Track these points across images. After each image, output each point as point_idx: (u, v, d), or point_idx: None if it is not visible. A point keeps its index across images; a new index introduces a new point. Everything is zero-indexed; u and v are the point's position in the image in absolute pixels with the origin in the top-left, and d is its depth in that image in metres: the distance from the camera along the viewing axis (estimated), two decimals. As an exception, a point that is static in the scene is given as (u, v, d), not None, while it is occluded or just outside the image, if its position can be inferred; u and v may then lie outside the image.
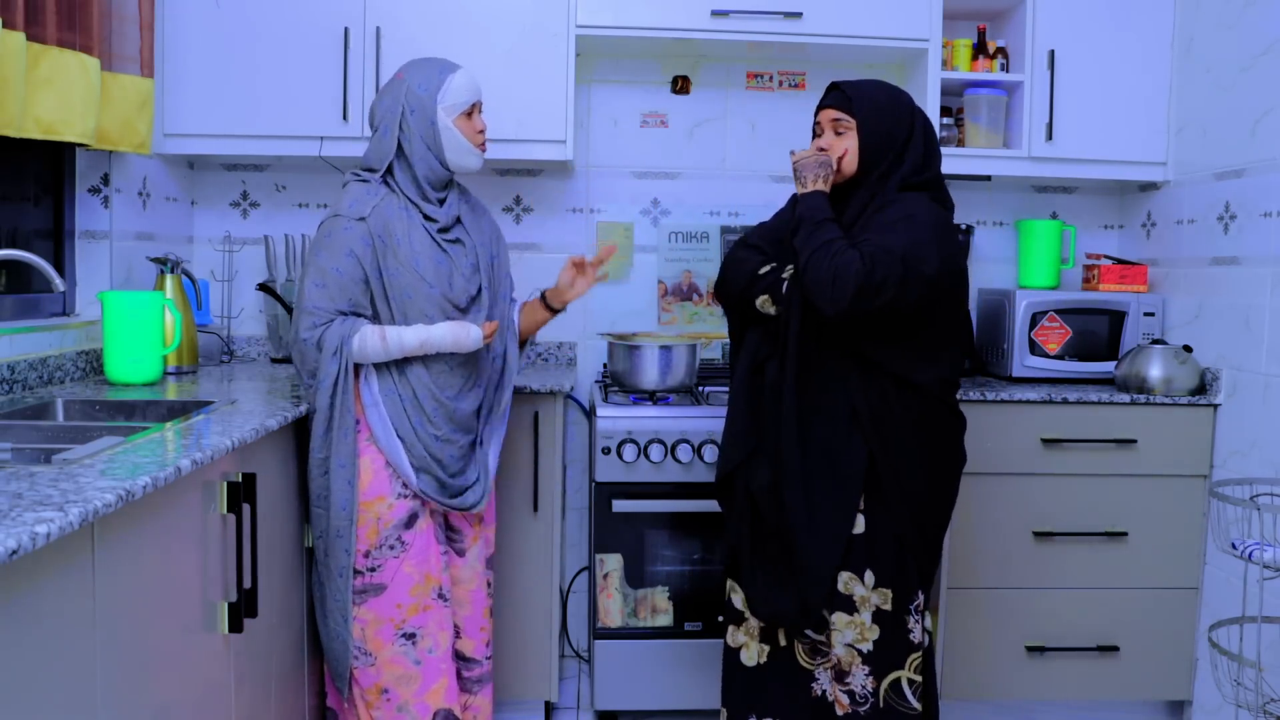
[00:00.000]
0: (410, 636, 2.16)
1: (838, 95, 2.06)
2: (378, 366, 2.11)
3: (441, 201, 2.17)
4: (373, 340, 2.06)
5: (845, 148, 2.05)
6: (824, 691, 2.09)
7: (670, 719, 2.78)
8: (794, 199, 2.11)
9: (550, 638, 2.71)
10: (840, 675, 2.06)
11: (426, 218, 2.13)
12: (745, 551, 2.15)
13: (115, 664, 1.38)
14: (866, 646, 2.04)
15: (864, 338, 1.99)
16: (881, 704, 2.04)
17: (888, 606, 2.04)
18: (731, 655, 2.23)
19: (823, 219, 1.99)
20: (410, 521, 2.16)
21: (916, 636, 2.07)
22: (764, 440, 2.10)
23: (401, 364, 2.13)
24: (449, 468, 2.17)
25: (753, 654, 2.19)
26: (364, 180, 2.13)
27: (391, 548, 2.14)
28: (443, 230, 2.15)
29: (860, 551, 2.04)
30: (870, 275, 1.89)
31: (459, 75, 2.13)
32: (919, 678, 2.07)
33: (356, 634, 2.15)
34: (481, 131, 2.17)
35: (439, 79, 2.11)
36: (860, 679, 2.04)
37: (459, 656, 2.31)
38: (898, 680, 2.05)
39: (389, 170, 2.12)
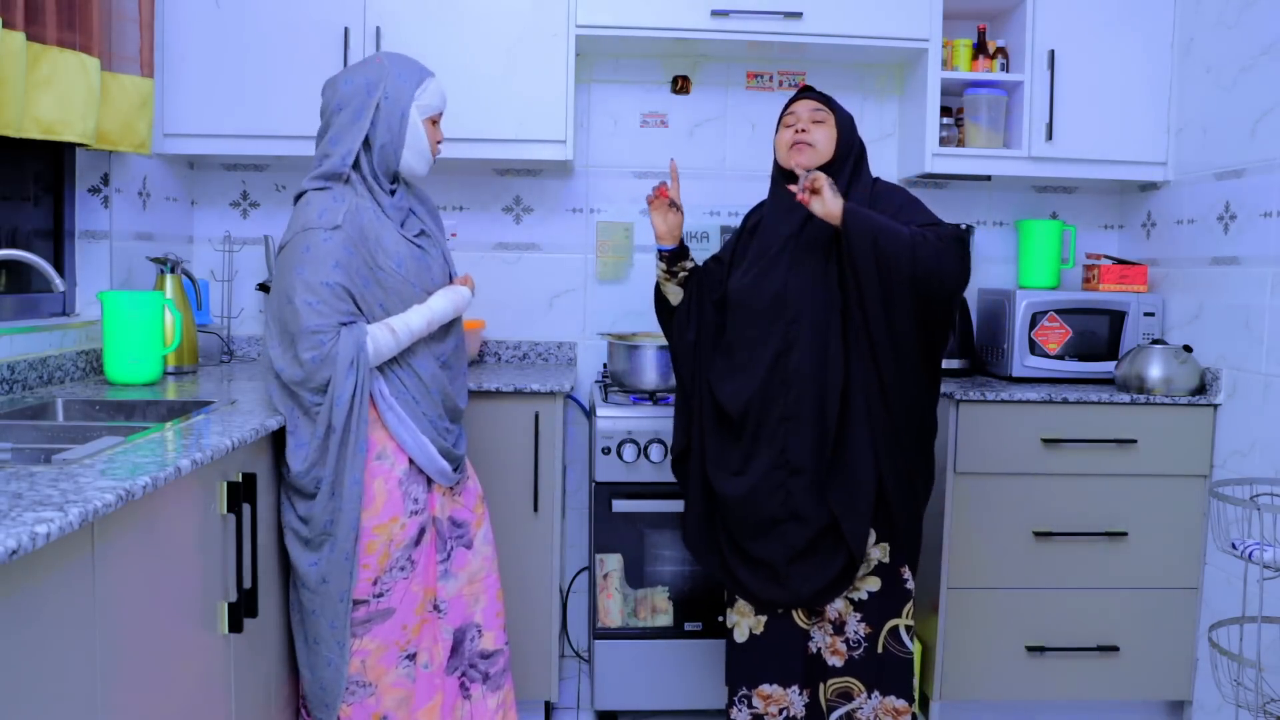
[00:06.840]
0: (412, 657, 2.12)
1: (813, 93, 2.26)
2: (381, 368, 2.05)
3: (392, 192, 2.11)
4: (384, 338, 2.00)
5: (826, 135, 2.21)
6: (819, 649, 2.20)
7: (670, 719, 2.79)
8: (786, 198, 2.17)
9: (550, 638, 2.71)
10: (839, 628, 2.18)
11: (388, 216, 2.07)
12: (784, 539, 2.20)
13: (115, 664, 1.38)
14: (860, 596, 2.17)
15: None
16: (880, 649, 2.18)
17: (886, 559, 2.18)
18: (728, 636, 2.31)
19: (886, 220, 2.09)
20: (419, 538, 2.10)
21: (911, 585, 2.23)
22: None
23: (406, 355, 2.08)
24: (458, 447, 2.19)
25: (744, 630, 2.26)
26: (323, 189, 2.03)
27: (402, 569, 2.07)
28: (405, 226, 2.12)
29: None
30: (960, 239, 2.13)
31: (436, 81, 2.14)
32: (912, 623, 2.24)
33: (355, 668, 2.05)
34: (439, 143, 2.17)
35: (420, 76, 2.10)
36: (854, 626, 2.18)
37: (482, 656, 2.25)
38: (896, 628, 2.20)
39: (353, 158, 2.05)
